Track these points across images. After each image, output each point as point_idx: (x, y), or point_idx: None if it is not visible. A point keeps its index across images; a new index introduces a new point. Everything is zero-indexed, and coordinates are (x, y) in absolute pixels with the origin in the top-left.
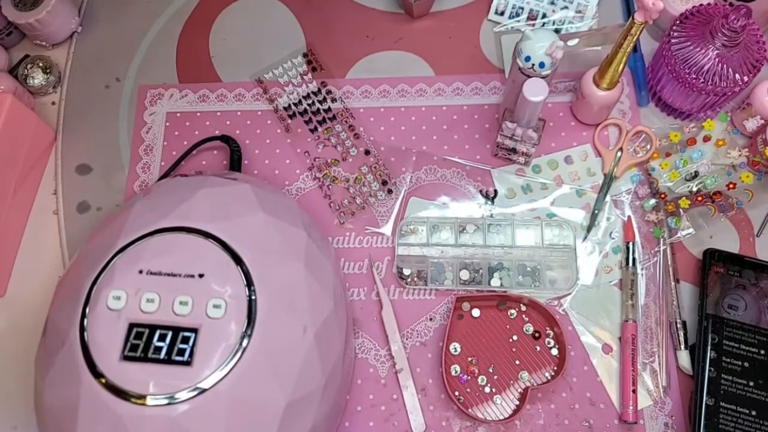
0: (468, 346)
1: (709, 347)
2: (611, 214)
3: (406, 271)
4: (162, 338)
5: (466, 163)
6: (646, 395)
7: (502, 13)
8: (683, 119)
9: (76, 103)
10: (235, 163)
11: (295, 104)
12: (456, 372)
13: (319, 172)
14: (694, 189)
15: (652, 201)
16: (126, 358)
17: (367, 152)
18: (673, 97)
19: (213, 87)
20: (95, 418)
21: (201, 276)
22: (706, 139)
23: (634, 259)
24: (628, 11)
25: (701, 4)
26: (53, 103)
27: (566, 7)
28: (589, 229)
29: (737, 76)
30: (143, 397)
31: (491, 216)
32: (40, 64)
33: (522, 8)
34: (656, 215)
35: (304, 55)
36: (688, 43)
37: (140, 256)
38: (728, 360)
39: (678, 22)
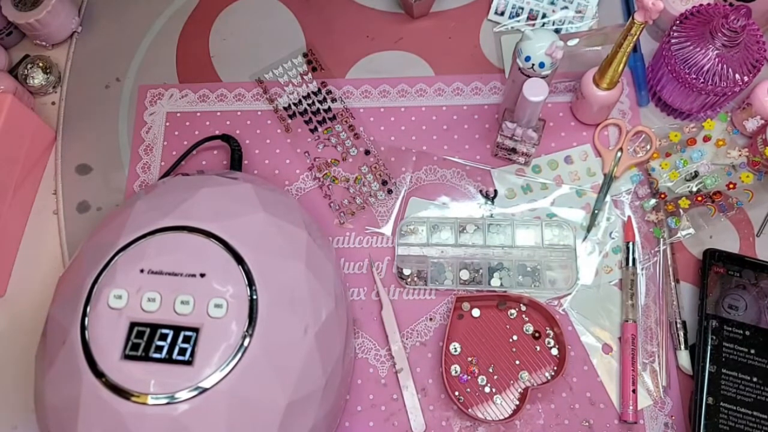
0: (468, 346)
1: (709, 347)
2: (611, 214)
3: (406, 271)
4: (163, 337)
5: (466, 163)
6: (646, 395)
7: (502, 13)
8: (683, 119)
9: (76, 103)
10: (236, 162)
11: (295, 104)
12: (456, 372)
13: (319, 172)
14: (694, 189)
15: (652, 201)
16: (127, 357)
17: (367, 152)
18: (673, 97)
19: (213, 87)
20: (96, 417)
21: (202, 275)
22: (706, 139)
23: (634, 259)
24: (628, 11)
25: (701, 4)
26: (53, 103)
27: (566, 7)
28: (589, 229)
29: (737, 76)
30: (144, 396)
31: (491, 216)
32: (40, 64)
33: (522, 8)
34: (656, 215)
35: (304, 55)
36: (688, 43)
37: (141, 255)
38: (728, 360)
39: (678, 22)
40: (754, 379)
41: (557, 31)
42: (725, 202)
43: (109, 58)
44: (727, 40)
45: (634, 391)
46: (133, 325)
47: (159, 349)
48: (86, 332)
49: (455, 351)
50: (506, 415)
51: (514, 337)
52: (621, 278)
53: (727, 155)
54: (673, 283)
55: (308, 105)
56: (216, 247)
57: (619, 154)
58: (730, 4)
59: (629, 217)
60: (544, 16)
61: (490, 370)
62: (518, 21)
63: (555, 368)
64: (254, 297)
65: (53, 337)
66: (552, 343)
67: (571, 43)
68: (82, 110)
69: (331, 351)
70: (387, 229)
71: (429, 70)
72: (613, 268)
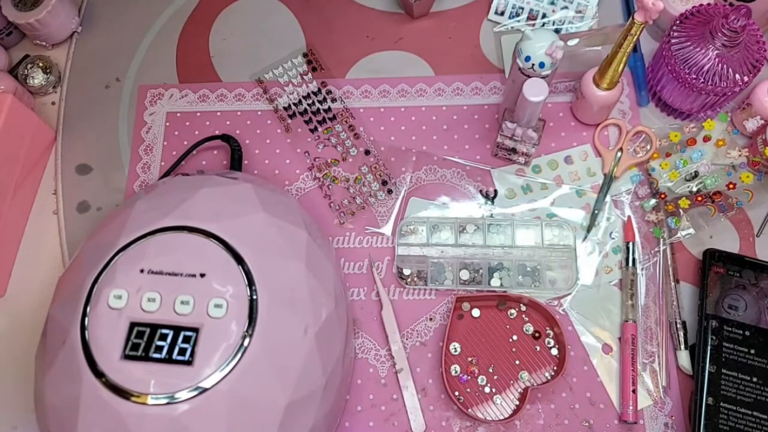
0: (468, 346)
1: (709, 347)
2: (611, 214)
3: (406, 271)
4: (163, 338)
5: (466, 163)
6: (646, 395)
7: (502, 13)
8: (683, 119)
9: (76, 103)
10: (236, 162)
11: (295, 104)
12: (456, 372)
13: (319, 172)
14: (694, 189)
15: (652, 201)
16: (127, 357)
17: (367, 152)
18: (673, 97)
19: (213, 87)
20: (96, 417)
21: (202, 275)
22: (706, 139)
23: (634, 259)
24: (628, 11)
25: (701, 4)
26: (53, 103)
27: (566, 7)
28: (589, 229)
29: (737, 76)
30: (144, 396)
31: (491, 216)
32: (40, 64)
33: (522, 8)
34: (656, 215)
35: (304, 55)
36: (688, 43)
37: (141, 255)
38: (728, 360)
39: (678, 22)
40: (754, 379)
41: (557, 31)
42: (725, 202)
43: (109, 58)
44: (727, 40)
45: (634, 391)
46: (133, 325)
47: (159, 349)
48: (86, 332)
49: (455, 351)
50: (506, 415)
51: (514, 337)
52: (621, 278)
53: (727, 155)
54: (673, 283)
55: (308, 105)
56: (216, 247)
57: (619, 154)
58: (730, 4)
59: (629, 217)
60: (544, 16)
61: (490, 370)
62: (518, 21)
63: (555, 368)
64: (254, 297)
65: (53, 337)
66: (552, 343)
67: (571, 43)
68: (82, 110)
69: (331, 351)
70: (387, 229)
71: (429, 70)
72: (613, 268)
